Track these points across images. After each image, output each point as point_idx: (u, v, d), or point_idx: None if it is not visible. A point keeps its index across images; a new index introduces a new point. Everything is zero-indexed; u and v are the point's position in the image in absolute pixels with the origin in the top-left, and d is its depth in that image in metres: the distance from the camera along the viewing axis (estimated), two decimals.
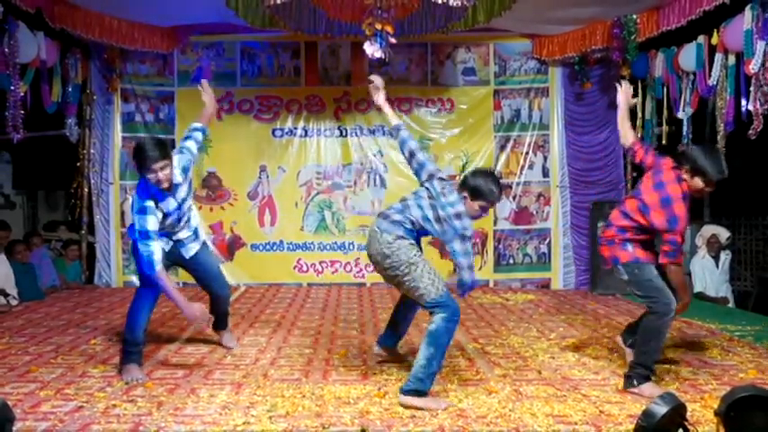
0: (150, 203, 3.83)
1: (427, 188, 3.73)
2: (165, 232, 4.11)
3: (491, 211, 7.82)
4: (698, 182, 3.65)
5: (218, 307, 4.66)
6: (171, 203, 3.99)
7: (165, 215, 3.98)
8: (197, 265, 4.39)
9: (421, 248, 3.75)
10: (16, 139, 6.22)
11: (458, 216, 3.58)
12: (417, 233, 3.74)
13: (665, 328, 3.75)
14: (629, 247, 3.82)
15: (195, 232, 4.35)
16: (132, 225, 3.95)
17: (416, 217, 3.67)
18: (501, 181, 3.79)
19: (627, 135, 4.09)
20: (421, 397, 3.39)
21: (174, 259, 4.29)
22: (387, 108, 4.16)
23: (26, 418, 3.12)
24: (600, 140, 7.83)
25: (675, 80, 6.89)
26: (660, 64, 7.06)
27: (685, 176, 3.68)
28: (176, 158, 4.00)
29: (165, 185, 3.84)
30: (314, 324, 5.59)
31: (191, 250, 4.31)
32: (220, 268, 4.68)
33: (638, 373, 3.66)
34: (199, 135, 4.31)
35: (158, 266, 3.79)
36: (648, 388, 3.60)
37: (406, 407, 3.35)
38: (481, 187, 3.63)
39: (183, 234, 4.24)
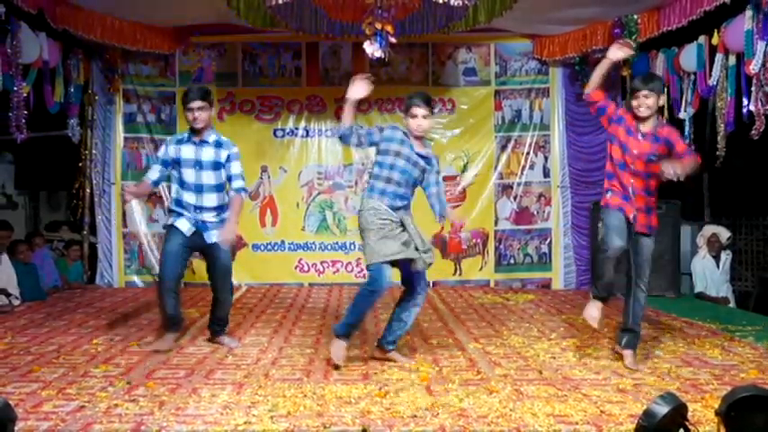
0: (171, 138, 4.70)
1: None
2: (192, 206, 4.44)
3: (492, 210, 7.93)
4: (629, 100, 4.21)
5: (216, 309, 4.72)
6: (189, 151, 4.46)
7: (179, 161, 4.44)
8: (214, 255, 4.55)
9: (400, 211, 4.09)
10: (20, 140, 6.23)
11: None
12: (390, 181, 4.08)
13: (605, 258, 4.08)
14: (608, 195, 4.20)
15: (222, 221, 4.51)
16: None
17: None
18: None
19: (594, 83, 4.29)
20: (332, 339, 4.09)
21: (194, 243, 4.51)
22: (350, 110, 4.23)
23: (28, 418, 3.13)
24: (601, 141, 7.80)
25: (676, 80, 6.89)
26: (661, 64, 7.06)
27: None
28: (234, 162, 4.54)
29: (200, 125, 4.42)
30: (315, 324, 5.60)
31: (212, 236, 4.49)
32: (231, 269, 4.74)
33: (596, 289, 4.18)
34: (239, 183, 4.59)
35: (145, 180, 4.63)
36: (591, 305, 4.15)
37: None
38: (406, 102, 4.24)
39: (209, 216, 4.48)
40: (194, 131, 4.49)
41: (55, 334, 5.10)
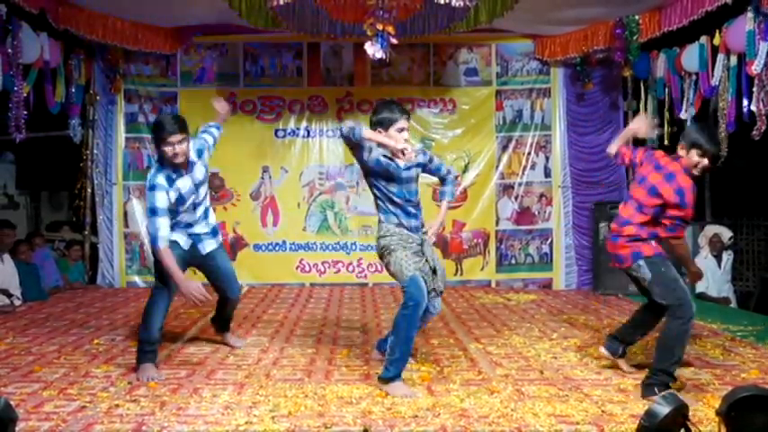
0: (161, 180, 3.94)
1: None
2: (184, 224, 4.17)
3: (493, 210, 7.93)
4: (693, 155, 3.66)
5: (224, 309, 4.66)
6: (186, 183, 4.06)
7: (181, 198, 4.05)
8: (212, 264, 4.40)
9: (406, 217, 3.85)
10: (18, 140, 6.23)
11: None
12: (394, 203, 3.85)
13: (689, 332, 3.66)
14: (653, 243, 3.80)
15: (214, 230, 4.40)
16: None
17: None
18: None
19: (615, 146, 4.10)
20: (386, 384, 3.59)
21: (191, 257, 4.28)
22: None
23: (29, 418, 3.13)
24: (602, 141, 7.81)
25: (677, 81, 6.88)
26: (662, 64, 7.06)
27: (681, 153, 3.71)
28: (191, 142, 4.09)
29: (181, 159, 3.95)
30: (316, 324, 5.60)
31: (207, 246, 4.33)
32: (234, 271, 4.63)
33: (661, 381, 3.53)
34: (214, 131, 4.43)
35: (163, 243, 3.89)
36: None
37: (383, 391, 3.56)
38: (384, 116, 3.83)
39: (200, 228, 4.28)
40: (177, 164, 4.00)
41: (56, 334, 5.10)
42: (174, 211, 4.06)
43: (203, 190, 4.25)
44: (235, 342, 4.73)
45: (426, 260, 3.85)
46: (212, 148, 4.39)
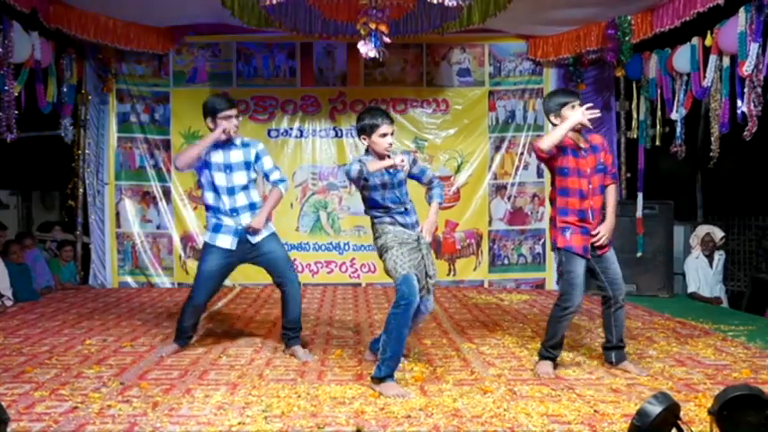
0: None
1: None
2: (228, 209, 4.38)
3: (486, 210, 7.94)
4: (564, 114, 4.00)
5: (287, 308, 4.52)
6: (218, 156, 4.36)
7: (207, 165, 4.34)
8: (264, 254, 4.48)
9: (399, 222, 3.91)
10: (9, 139, 6.20)
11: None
12: (386, 208, 3.89)
13: (566, 321, 4.05)
14: (567, 234, 4.00)
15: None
16: None
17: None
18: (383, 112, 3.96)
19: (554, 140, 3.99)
20: (378, 383, 3.60)
21: (242, 252, 4.44)
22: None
23: (20, 419, 3.11)
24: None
25: (669, 81, 6.90)
26: (654, 65, 7.08)
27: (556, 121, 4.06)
28: (261, 146, 4.56)
29: (233, 132, 4.35)
30: (309, 324, 5.59)
31: (256, 236, 4.43)
32: (290, 260, 4.65)
33: (541, 355, 4.10)
34: (278, 185, 4.59)
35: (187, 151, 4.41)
36: (543, 366, 4.03)
37: (375, 391, 3.58)
38: (367, 122, 3.86)
39: (244, 216, 4.41)
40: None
41: (48, 335, 5.08)
42: (212, 185, 4.39)
43: (237, 177, 4.39)
44: (304, 356, 4.42)
45: (423, 257, 3.88)
46: (258, 170, 4.54)
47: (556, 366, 4.08)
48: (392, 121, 3.93)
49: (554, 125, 4.08)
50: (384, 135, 3.84)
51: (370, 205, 3.96)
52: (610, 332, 4.16)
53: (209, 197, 4.43)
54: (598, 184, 4.07)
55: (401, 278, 3.72)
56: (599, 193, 4.07)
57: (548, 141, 3.94)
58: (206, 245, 4.46)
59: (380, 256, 3.92)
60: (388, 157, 3.76)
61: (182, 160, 4.34)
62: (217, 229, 4.41)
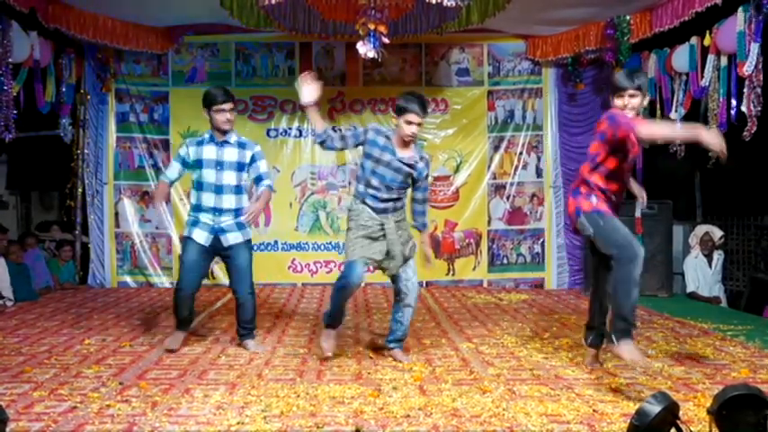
0: (184, 151, 4.51)
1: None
2: (210, 207, 4.42)
3: (485, 210, 7.95)
4: (614, 100, 3.73)
5: (239, 312, 4.65)
6: (210, 152, 4.43)
7: (199, 162, 4.39)
8: (230, 258, 4.54)
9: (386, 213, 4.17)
10: (8, 139, 6.20)
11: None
12: (368, 184, 4.16)
13: (638, 275, 3.58)
14: (593, 199, 3.77)
15: (239, 225, 4.50)
16: None
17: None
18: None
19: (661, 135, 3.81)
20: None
21: (214, 248, 4.51)
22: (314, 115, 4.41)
23: (20, 419, 3.11)
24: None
25: (668, 81, 6.92)
26: (653, 65, 7.09)
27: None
28: (258, 148, 4.60)
29: (229, 126, 4.44)
30: (308, 324, 5.59)
31: (230, 239, 4.48)
32: (249, 272, 4.65)
33: (619, 328, 3.55)
34: (264, 180, 4.58)
35: (163, 178, 4.60)
36: (627, 347, 3.51)
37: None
38: (400, 104, 4.15)
39: (225, 218, 4.45)
40: (218, 132, 4.47)
41: (47, 334, 5.08)
42: (198, 182, 4.46)
43: (227, 176, 4.43)
44: (254, 348, 4.63)
45: (389, 243, 4.14)
46: (251, 172, 4.55)
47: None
48: (425, 113, 4.19)
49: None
50: (410, 123, 4.08)
51: (358, 175, 4.28)
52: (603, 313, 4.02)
53: (194, 196, 4.52)
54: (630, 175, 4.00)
55: (348, 262, 4.15)
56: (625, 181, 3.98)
57: (659, 134, 3.69)
58: (184, 237, 4.60)
59: (346, 231, 4.31)
60: (405, 144, 4.13)
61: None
62: (194, 224, 4.49)
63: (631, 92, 3.67)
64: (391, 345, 4.40)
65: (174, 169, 4.58)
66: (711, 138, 3.33)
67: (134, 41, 7.43)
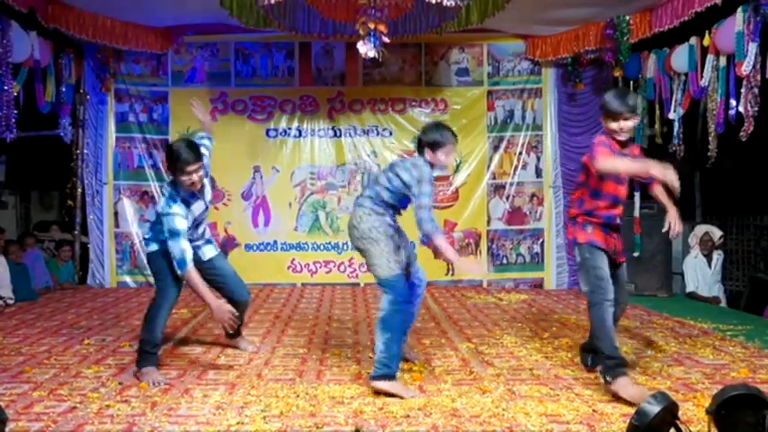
0: (179, 208, 3.88)
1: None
2: (191, 240, 4.09)
3: (484, 210, 7.95)
4: (608, 122, 3.71)
5: (241, 314, 4.53)
6: (200, 206, 4.08)
7: (194, 221, 4.07)
8: (215, 269, 4.34)
9: (398, 228, 3.97)
10: (9, 139, 6.19)
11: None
12: (392, 207, 3.91)
13: (608, 316, 3.62)
14: (589, 228, 3.79)
15: (208, 241, 4.39)
16: (152, 229, 4.05)
17: (382, 186, 3.86)
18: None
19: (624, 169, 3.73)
20: (389, 381, 3.56)
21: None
22: None
23: (19, 419, 3.12)
24: (593, 141, 7.84)
25: (667, 81, 6.92)
26: (652, 65, 7.09)
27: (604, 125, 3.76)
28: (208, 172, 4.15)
29: (198, 187, 3.95)
30: (308, 324, 5.59)
31: (207, 253, 4.32)
32: (238, 273, 4.59)
33: (609, 366, 3.53)
34: (207, 142, 4.36)
35: (190, 264, 3.85)
36: (623, 384, 3.44)
37: (378, 392, 3.50)
38: (437, 138, 3.80)
39: (198, 242, 4.27)
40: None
41: (46, 335, 5.08)
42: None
43: (209, 209, 4.26)
44: (246, 346, 4.64)
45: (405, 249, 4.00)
46: (210, 160, 4.31)
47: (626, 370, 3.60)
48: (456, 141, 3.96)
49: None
50: (449, 154, 3.88)
51: (383, 200, 3.87)
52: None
53: (182, 224, 4.05)
54: (626, 194, 3.97)
55: (394, 277, 3.73)
56: (624, 202, 3.98)
57: (611, 167, 3.64)
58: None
59: (363, 240, 3.83)
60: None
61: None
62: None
63: (626, 115, 3.69)
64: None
65: (189, 249, 3.92)
66: (661, 171, 3.46)
67: (133, 41, 7.42)
